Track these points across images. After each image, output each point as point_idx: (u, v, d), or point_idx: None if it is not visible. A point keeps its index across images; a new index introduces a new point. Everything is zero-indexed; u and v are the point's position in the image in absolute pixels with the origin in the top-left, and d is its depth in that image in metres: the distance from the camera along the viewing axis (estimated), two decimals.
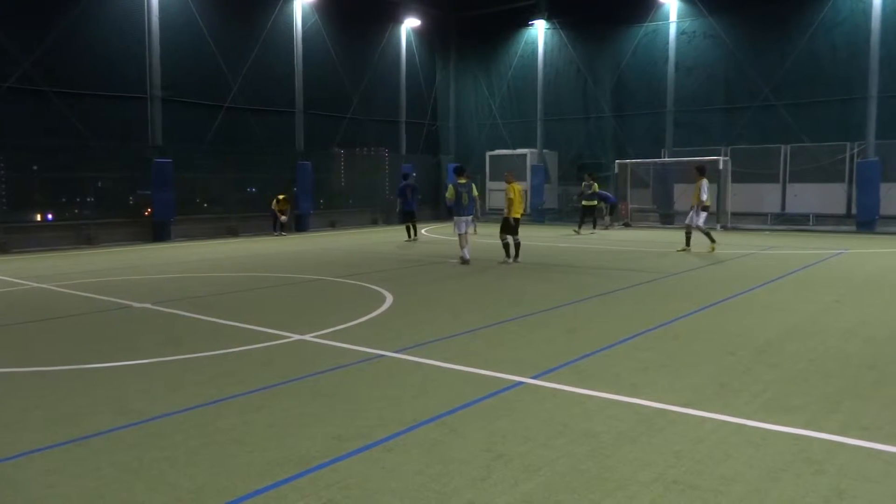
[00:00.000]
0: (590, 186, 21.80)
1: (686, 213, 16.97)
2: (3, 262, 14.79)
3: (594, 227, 22.21)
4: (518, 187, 13.60)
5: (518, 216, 13.46)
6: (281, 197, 21.83)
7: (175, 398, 5.26)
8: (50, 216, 18.67)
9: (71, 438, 4.45)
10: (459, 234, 13.83)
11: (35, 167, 18.71)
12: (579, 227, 21.56)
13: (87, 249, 17.78)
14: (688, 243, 15.77)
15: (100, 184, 20.09)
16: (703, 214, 15.56)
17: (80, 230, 18.72)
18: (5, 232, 17.24)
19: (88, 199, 19.74)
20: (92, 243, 18.55)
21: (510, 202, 13.29)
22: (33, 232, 18.04)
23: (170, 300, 9.67)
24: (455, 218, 13.94)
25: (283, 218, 21.91)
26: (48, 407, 5.12)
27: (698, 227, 15.48)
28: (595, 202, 21.96)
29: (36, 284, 11.40)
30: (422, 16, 28.35)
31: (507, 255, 13.60)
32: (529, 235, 20.85)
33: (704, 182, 15.52)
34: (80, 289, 10.83)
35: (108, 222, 19.34)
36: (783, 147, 22.77)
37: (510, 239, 13.60)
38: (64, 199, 19.31)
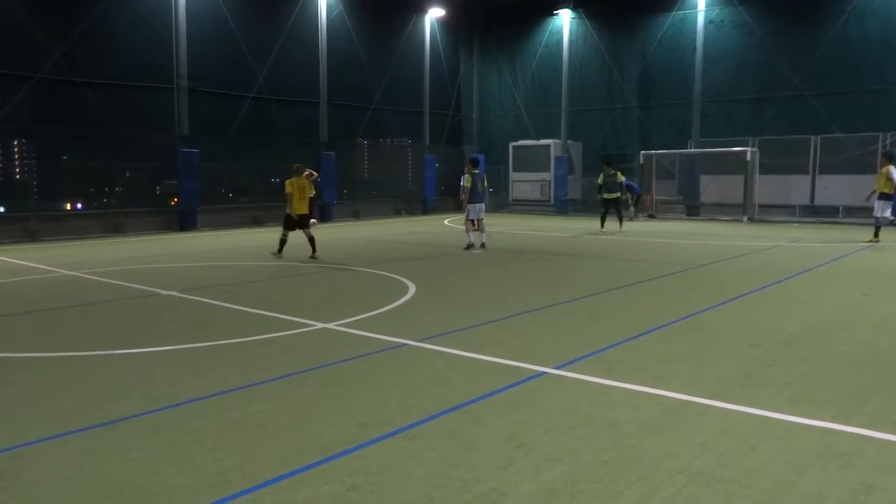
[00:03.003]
0: (613, 176, 18.70)
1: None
2: (34, 250, 15.08)
3: (620, 224, 18.88)
4: (298, 182, 12.93)
5: (301, 212, 12.94)
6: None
7: (201, 384, 5.34)
8: (79, 205, 19.00)
9: (101, 422, 4.53)
10: (468, 220, 14.60)
11: (65, 157, 19.03)
12: (602, 222, 18.85)
13: (115, 238, 18.05)
14: (876, 234, 15.37)
15: (127, 173, 20.39)
16: (883, 203, 15.08)
17: (108, 219, 19.02)
18: (36, 220, 17.58)
19: (116, 189, 20.04)
20: (120, 232, 18.84)
21: (288, 197, 12.86)
22: (63, 220, 18.38)
23: (196, 288, 9.79)
24: (468, 206, 14.51)
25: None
26: (78, 391, 5.23)
27: (876, 217, 15.23)
28: (617, 194, 18.76)
29: (66, 272, 11.60)
30: (446, 5, 28.24)
31: (279, 250, 13.15)
32: (553, 227, 20.77)
33: (892, 169, 14.98)
34: (108, 276, 11.01)
35: (136, 211, 19.63)
36: (813, 138, 22.37)
37: (290, 236, 13.09)
38: (93, 189, 19.62)
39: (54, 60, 17.88)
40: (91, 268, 12.01)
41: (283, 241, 13.29)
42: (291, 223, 13.08)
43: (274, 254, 13.24)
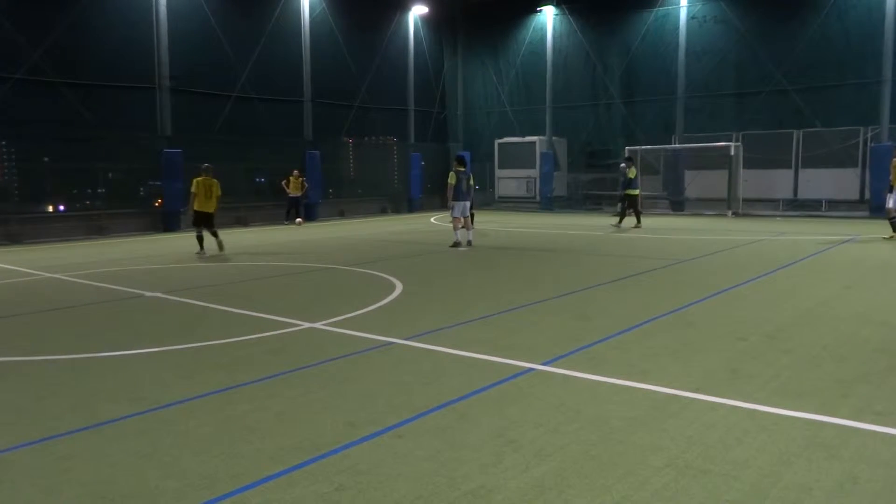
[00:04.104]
0: (624, 173, 18.83)
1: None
2: (17, 253, 14.91)
3: (619, 222, 18.76)
4: (205, 182, 13.49)
5: (206, 210, 13.54)
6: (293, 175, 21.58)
7: (187, 386, 5.29)
8: (62, 207, 18.79)
9: (85, 425, 4.48)
10: (455, 218, 14.55)
11: (46, 158, 18.81)
12: (636, 218, 18.73)
13: (98, 240, 17.88)
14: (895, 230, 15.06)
15: (110, 175, 20.17)
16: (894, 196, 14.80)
17: (91, 221, 18.83)
18: (18, 223, 17.37)
19: (99, 190, 19.84)
20: (103, 234, 18.66)
21: (192, 196, 13.52)
22: (45, 223, 18.17)
23: (181, 289, 9.72)
24: (453, 203, 14.47)
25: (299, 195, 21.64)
26: (62, 395, 5.17)
27: (888, 209, 14.96)
28: (635, 191, 18.73)
29: (48, 274, 11.47)
30: (429, 3, 28.19)
31: (200, 248, 13.72)
32: (539, 223, 20.80)
33: None
34: (92, 278, 10.90)
35: (119, 213, 19.44)
36: (795, 132, 22.58)
37: (203, 232, 13.68)
38: (75, 191, 19.41)
39: (33, 61, 17.66)
40: (74, 270, 11.88)
41: (200, 239, 13.72)
42: (198, 220, 13.64)
43: (197, 253, 13.58)
